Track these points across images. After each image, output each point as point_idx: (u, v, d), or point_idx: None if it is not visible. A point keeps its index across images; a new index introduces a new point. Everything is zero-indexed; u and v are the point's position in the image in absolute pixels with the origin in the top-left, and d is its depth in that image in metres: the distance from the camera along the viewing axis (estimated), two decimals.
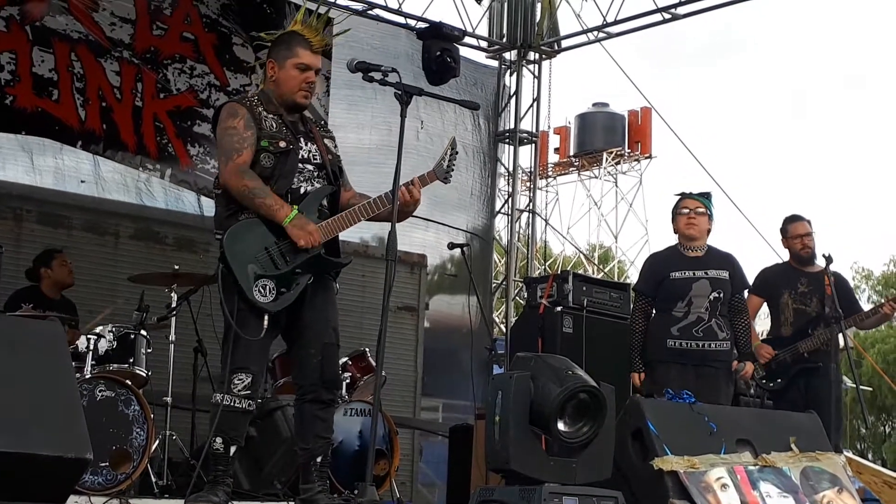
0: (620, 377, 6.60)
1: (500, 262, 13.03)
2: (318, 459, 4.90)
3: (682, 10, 10.22)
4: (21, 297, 7.08)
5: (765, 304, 7.47)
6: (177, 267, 6.71)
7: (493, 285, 11.46)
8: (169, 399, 6.35)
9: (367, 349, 6.86)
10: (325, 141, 5.06)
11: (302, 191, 4.86)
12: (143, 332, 6.33)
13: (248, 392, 4.73)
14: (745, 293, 6.87)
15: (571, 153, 25.56)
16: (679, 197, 6.72)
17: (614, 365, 7.44)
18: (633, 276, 24.49)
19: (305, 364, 4.91)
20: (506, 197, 11.32)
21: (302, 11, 5.19)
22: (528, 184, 12.10)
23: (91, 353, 5.99)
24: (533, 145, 11.40)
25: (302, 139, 4.93)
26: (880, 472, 5.80)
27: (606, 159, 25.20)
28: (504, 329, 10.94)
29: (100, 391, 5.74)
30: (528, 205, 11.48)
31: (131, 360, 6.21)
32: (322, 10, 8.05)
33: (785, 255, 7.58)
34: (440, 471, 8.66)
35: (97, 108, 8.50)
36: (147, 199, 8.94)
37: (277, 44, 4.99)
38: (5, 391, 3.73)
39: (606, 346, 7.84)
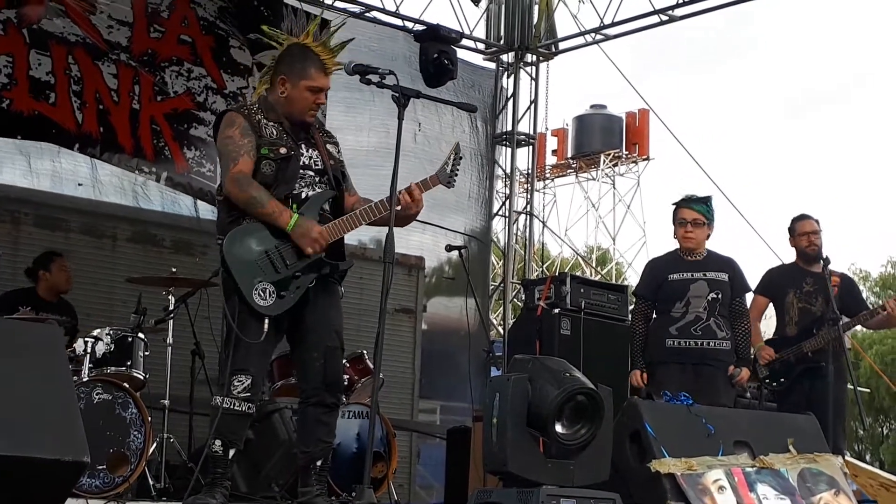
0: (618, 379, 6.61)
1: (497, 264, 13.03)
2: (319, 463, 4.90)
3: (679, 12, 10.22)
4: (16, 299, 7.06)
5: (771, 304, 7.46)
6: (174, 270, 6.70)
7: (491, 287, 11.47)
8: (166, 402, 6.33)
9: (364, 351, 6.86)
10: (328, 147, 5.07)
11: (303, 196, 4.88)
12: (141, 335, 6.33)
13: (248, 395, 4.74)
14: (747, 297, 6.86)
15: (569, 155, 25.55)
16: (677, 205, 6.72)
17: (612, 367, 7.45)
18: (630, 278, 24.53)
19: (308, 367, 4.92)
20: (503, 199, 11.32)
21: (315, 24, 5.18)
22: (525, 186, 12.11)
23: (88, 355, 5.98)
24: (530, 147, 11.41)
25: (303, 145, 4.94)
26: (877, 474, 5.80)
27: (604, 161, 25.20)
28: (502, 331, 10.94)
29: (97, 394, 5.73)
30: (526, 207, 11.47)
31: (129, 363, 6.20)
32: (326, 15, 8.10)
33: (784, 256, 7.59)
34: (438, 473, 8.65)
35: (94, 110, 8.49)
36: (144, 202, 8.94)
37: (290, 59, 4.96)
38: (3, 394, 3.72)
39: (604, 348, 7.85)
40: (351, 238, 5.29)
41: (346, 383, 6.67)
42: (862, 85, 53.52)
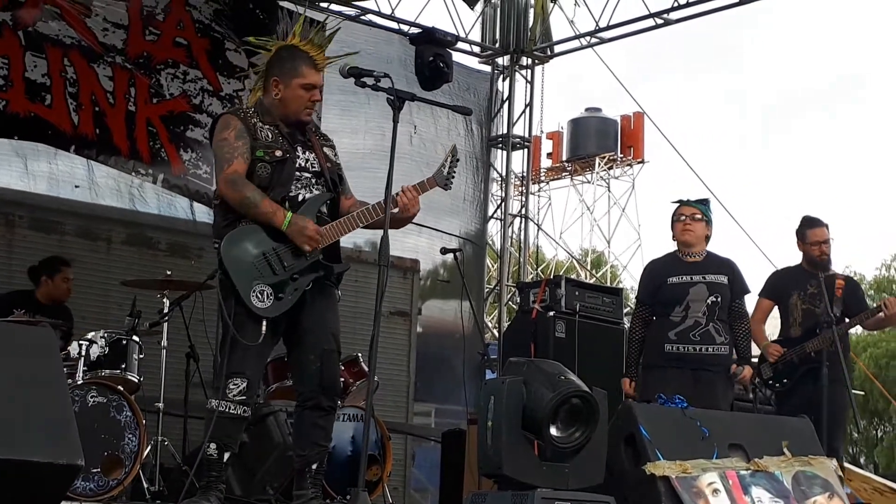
0: (613, 382, 6.60)
1: (492, 266, 13.03)
2: (314, 466, 4.90)
3: (674, 16, 10.24)
4: (12, 301, 7.05)
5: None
6: (169, 272, 6.70)
7: (486, 290, 11.48)
8: (161, 405, 6.33)
9: (359, 354, 6.86)
10: (325, 149, 5.07)
11: (300, 198, 4.88)
12: (135, 338, 6.32)
13: (244, 398, 4.74)
14: (750, 299, 6.87)
15: (564, 158, 25.58)
16: (677, 204, 6.74)
17: (607, 370, 7.45)
18: (625, 281, 24.57)
19: (305, 370, 4.92)
20: (498, 202, 11.33)
21: (300, 24, 5.19)
22: (520, 189, 12.11)
23: (83, 358, 5.97)
24: (525, 150, 11.41)
25: (299, 148, 4.95)
26: (870, 478, 5.82)
27: (599, 164, 25.23)
28: (497, 334, 10.94)
29: (91, 397, 5.72)
30: (521, 210, 11.48)
31: (123, 366, 6.19)
32: (320, 17, 8.09)
33: (776, 260, 7.59)
34: (433, 476, 8.66)
35: (90, 112, 8.50)
36: (140, 205, 8.93)
37: (280, 60, 4.97)
38: None
39: (599, 350, 7.86)
40: (347, 241, 5.30)
41: (341, 386, 6.69)
42: (859, 86, 53.61)
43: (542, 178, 25.23)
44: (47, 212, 8.45)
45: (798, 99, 54.83)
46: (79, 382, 5.79)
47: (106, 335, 6.19)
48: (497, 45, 11.18)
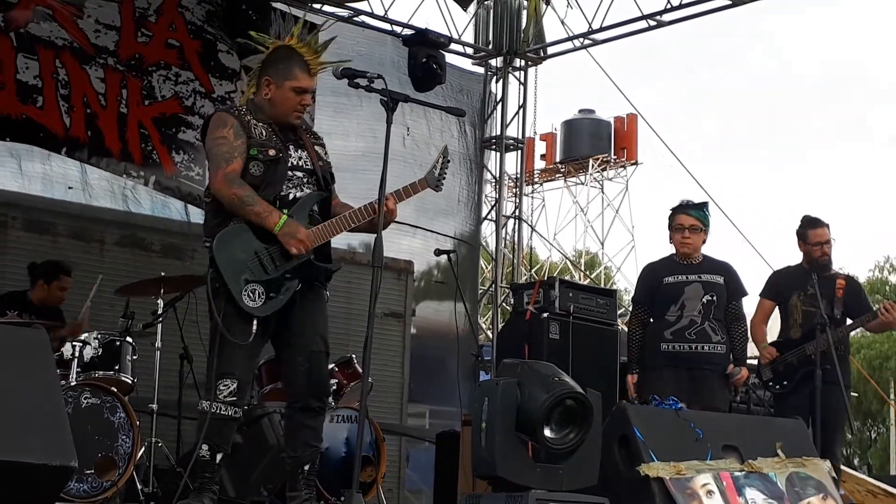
0: (607, 383, 6.62)
1: (486, 268, 13.03)
2: (307, 467, 4.89)
3: (667, 17, 10.24)
4: (4, 302, 7.04)
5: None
6: (163, 274, 6.68)
7: (480, 291, 11.47)
8: (154, 406, 6.32)
9: (353, 356, 6.85)
10: (316, 147, 5.07)
11: (291, 197, 4.88)
12: (129, 339, 6.32)
13: (234, 398, 4.73)
14: (751, 300, 6.89)
15: (557, 159, 25.55)
16: (674, 210, 6.73)
17: (601, 371, 7.46)
18: (619, 283, 24.56)
19: (293, 372, 4.92)
20: (492, 203, 11.34)
21: (299, 26, 5.19)
22: (514, 190, 12.11)
23: (76, 360, 5.97)
24: (519, 152, 11.41)
25: (291, 147, 4.95)
26: (864, 480, 5.83)
27: (592, 165, 25.21)
28: (491, 335, 10.95)
29: (85, 398, 5.72)
30: (515, 211, 11.48)
31: (117, 367, 6.19)
32: (318, 20, 8.09)
33: (772, 261, 7.58)
34: (427, 477, 8.65)
35: (82, 114, 8.48)
36: (133, 206, 8.91)
37: (274, 60, 4.96)
38: None
39: (593, 352, 7.85)
40: (340, 242, 5.30)
41: (335, 388, 6.69)
42: (855, 87, 53.67)
43: (536, 180, 25.22)
44: (41, 213, 8.43)
45: (792, 98, 54.91)
46: (72, 384, 5.79)
47: (99, 336, 6.19)
48: (490, 46, 11.18)
